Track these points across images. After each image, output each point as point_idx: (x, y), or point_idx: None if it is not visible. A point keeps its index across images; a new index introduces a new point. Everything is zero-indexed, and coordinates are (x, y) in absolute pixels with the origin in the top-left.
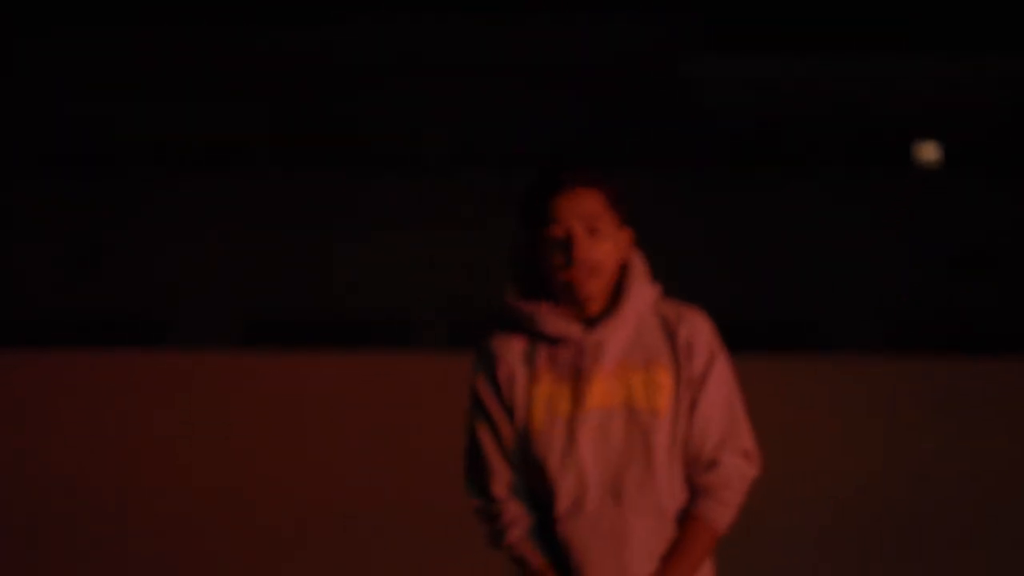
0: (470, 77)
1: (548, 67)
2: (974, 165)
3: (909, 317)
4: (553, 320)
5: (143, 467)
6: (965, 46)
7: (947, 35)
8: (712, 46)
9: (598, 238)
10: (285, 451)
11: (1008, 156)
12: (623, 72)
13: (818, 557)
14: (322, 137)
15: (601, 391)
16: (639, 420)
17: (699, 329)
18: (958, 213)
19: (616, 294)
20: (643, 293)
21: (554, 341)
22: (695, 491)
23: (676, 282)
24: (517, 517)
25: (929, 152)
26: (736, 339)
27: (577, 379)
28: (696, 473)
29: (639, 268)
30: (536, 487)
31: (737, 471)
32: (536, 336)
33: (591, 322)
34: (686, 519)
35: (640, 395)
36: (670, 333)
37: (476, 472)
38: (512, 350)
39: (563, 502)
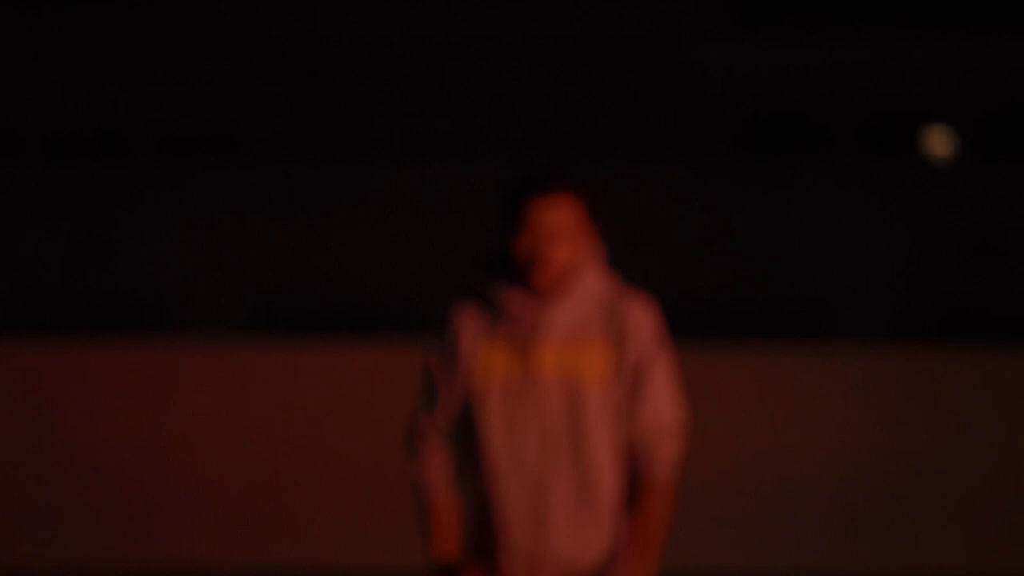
0: (474, 61)
1: (550, 51)
2: (984, 153)
3: (917, 305)
4: (508, 294)
5: (152, 454)
6: (977, 31)
7: (959, 20)
8: (716, 31)
9: (561, 241)
10: (295, 437)
11: (1019, 143)
12: (626, 58)
13: (819, 531)
14: (331, 124)
15: (542, 361)
16: (573, 391)
17: (644, 316)
18: (968, 201)
19: (570, 277)
20: (594, 280)
21: (507, 313)
22: (640, 463)
23: (680, 270)
24: (435, 461)
25: (938, 139)
26: (741, 325)
27: (521, 348)
28: (638, 449)
29: (594, 258)
30: (471, 445)
31: (672, 445)
32: (492, 306)
33: (543, 300)
34: (640, 492)
35: (577, 369)
36: (617, 318)
37: (416, 420)
38: (467, 317)
39: (493, 460)
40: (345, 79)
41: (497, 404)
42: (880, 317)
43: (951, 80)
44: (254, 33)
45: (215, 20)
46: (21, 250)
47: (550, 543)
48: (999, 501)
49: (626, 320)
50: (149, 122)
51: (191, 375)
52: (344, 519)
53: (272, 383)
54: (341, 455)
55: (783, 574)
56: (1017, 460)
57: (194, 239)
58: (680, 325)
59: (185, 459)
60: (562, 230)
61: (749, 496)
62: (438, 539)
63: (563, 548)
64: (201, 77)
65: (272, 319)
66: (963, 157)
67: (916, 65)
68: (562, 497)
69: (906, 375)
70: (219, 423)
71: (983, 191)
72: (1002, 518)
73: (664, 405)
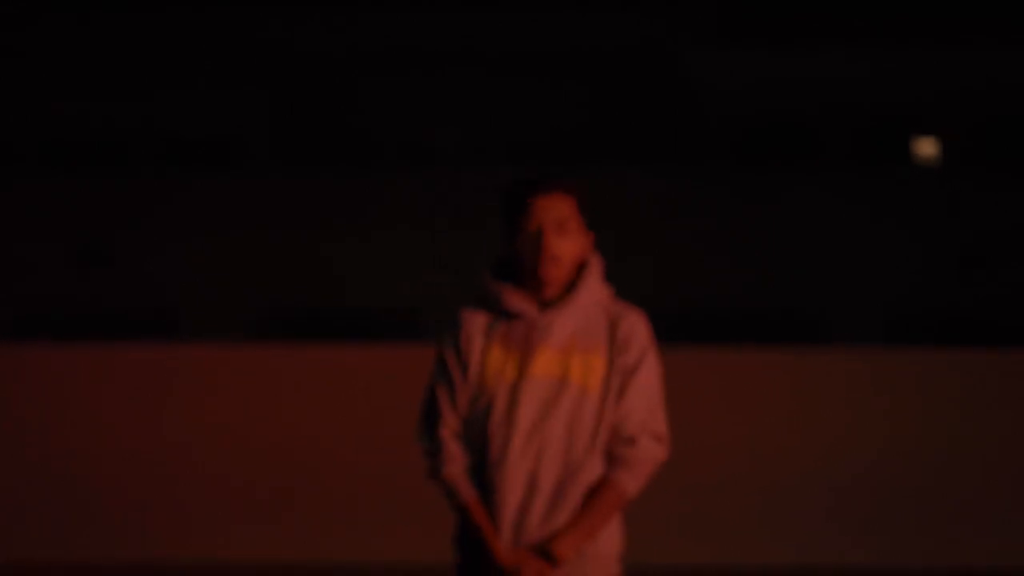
0: (469, 70)
1: (546, 62)
2: (978, 162)
3: (911, 312)
4: (514, 299)
5: (153, 458)
6: (970, 41)
7: (953, 29)
8: (711, 42)
9: (564, 236)
10: (294, 442)
11: (1011, 150)
12: (621, 68)
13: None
14: (330, 133)
15: (544, 363)
16: (571, 394)
17: (637, 328)
18: (962, 209)
19: (571, 286)
20: (594, 288)
21: (512, 317)
22: (612, 461)
23: (676, 278)
24: (455, 455)
25: (932, 148)
26: (738, 332)
27: (525, 351)
28: (616, 446)
29: (595, 268)
30: (476, 438)
31: (650, 451)
32: (498, 311)
33: (546, 305)
34: (601, 483)
35: (576, 373)
36: (612, 327)
37: (428, 418)
38: (475, 321)
39: (494, 451)
40: (344, 89)
41: (503, 405)
42: (875, 324)
43: (945, 89)
44: (254, 43)
45: (216, 31)
46: (22, 258)
47: (529, 522)
48: (996, 500)
49: (621, 328)
50: (151, 131)
51: (191, 381)
52: (344, 519)
53: (272, 389)
54: (339, 458)
55: (784, 573)
56: (1015, 461)
57: (195, 247)
58: (673, 333)
59: (186, 463)
60: (563, 225)
61: (749, 498)
62: (489, 534)
63: (535, 529)
64: (202, 87)
65: (272, 326)
66: (957, 166)
67: (910, 74)
68: (546, 489)
69: (902, 379)
70: (219, 428)
71: (977, 200)
72: (1002, 517)
73: (639, 410)
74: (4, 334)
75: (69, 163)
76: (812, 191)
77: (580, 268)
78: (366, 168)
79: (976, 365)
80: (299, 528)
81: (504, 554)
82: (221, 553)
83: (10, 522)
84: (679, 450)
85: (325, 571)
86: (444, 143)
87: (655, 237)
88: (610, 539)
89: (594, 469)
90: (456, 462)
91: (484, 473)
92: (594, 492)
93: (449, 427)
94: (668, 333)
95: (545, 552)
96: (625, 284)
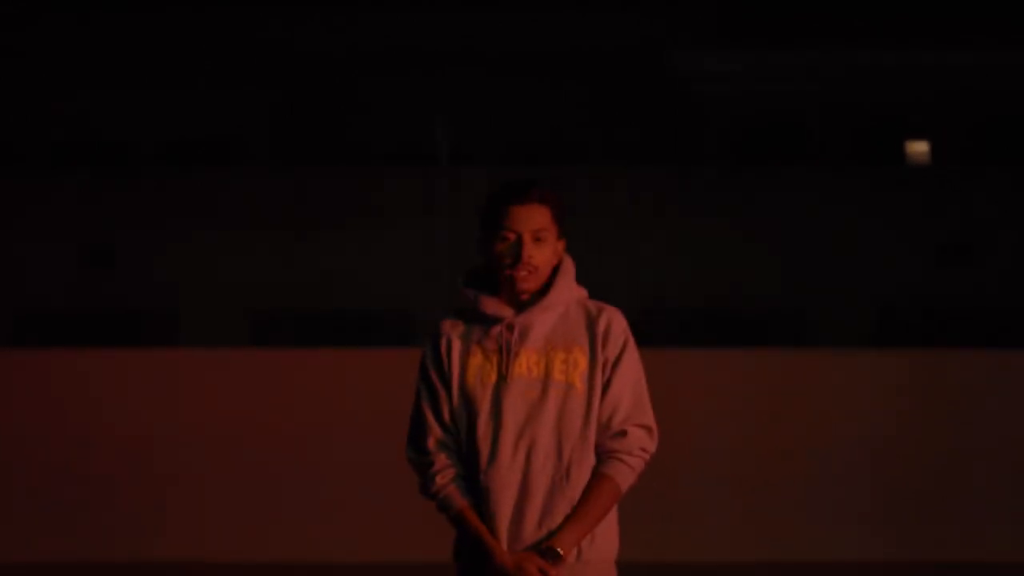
0: (469, 70)
1: (540, 62)
2: (969, 161)
3: (901, 309)
4: (492, 304)
5: (156, 457)
6: (962, 41)
7: (945, 30)
8: (704, 41)
9: (541, 245)
10: (297, 440)
11: (999, 149)
12: (615, 67)
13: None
14: (332, 133)
15: (525, 364)
16: (557, 392)
17: (615, 322)
18: (952, 208)
19: (545, 288)
20: (568, 288)
21: (490, 322)
22: (602, 455)
23: (668, 276)
24: (444, 467)
25: (923, 148)
26: (738, 332)
27: (506, 354)
28: (606, 440)
29: (568, 269)
30: (465, 445)
31: (640, 441)
32: (476, 318)
33: (523, 308)
34: (594, 478)
35: (559, 370)
36: (591, 323)
37: (415, 431)
38: (455, 328)
39: (483, 457)
40: (344, 89)
41: (487, 409)
42: (864, 322)
43: (936, 89)
44: (254, 43)
45: (216, 31)
46: (26, 259)
47: (526, 525)
48: (993, 496)
49: (600, 323)
50: (154, 132)
51: (194, 380)
52: (344, 519)
53: (274, 389)
54: (339, 457)
55: (773, 570)
56: (1010, 454)
57: (195, 247)
58: (660, 331)
59: (188, 462)
60: (539, 234)
61: (739, 497)
62: (486, 538)
63: (531, 531)
64: (202, 87)
65: (274, 326)
66: (947, 164)
67: (901, 74)
68: (539, 490)
69: (888, 377)
70: (222, 427)
71: (967, 198)
72: (993, 512)
73: (626, 403)
74: (4, 334)
75: (70, 163)
76: (804, 190)
77: (553, 270)
78: (366, 168)
79: (966, 364)
80: (298, 528)
81: (504, 557)
82: (221, 553)
83: (11, 522)
84: (678, 450)
85: (324, 571)
86: (440, 143)
87: (645, 235)
88: (608, 543)
89: (586, 465)
90: (446, 473)
91: (476, 480)
92: (589, 488)
93: (436, 438)
94: (665, 331)
95: (545, 551)
96: (625, 284)
